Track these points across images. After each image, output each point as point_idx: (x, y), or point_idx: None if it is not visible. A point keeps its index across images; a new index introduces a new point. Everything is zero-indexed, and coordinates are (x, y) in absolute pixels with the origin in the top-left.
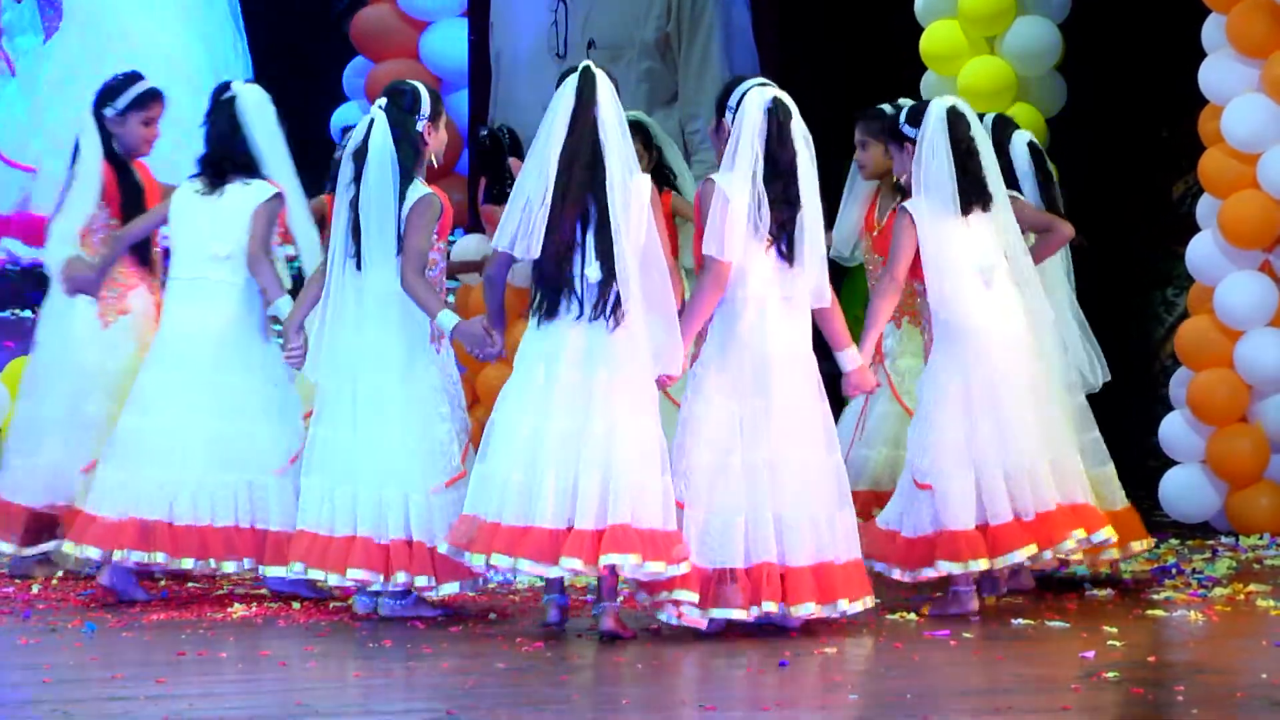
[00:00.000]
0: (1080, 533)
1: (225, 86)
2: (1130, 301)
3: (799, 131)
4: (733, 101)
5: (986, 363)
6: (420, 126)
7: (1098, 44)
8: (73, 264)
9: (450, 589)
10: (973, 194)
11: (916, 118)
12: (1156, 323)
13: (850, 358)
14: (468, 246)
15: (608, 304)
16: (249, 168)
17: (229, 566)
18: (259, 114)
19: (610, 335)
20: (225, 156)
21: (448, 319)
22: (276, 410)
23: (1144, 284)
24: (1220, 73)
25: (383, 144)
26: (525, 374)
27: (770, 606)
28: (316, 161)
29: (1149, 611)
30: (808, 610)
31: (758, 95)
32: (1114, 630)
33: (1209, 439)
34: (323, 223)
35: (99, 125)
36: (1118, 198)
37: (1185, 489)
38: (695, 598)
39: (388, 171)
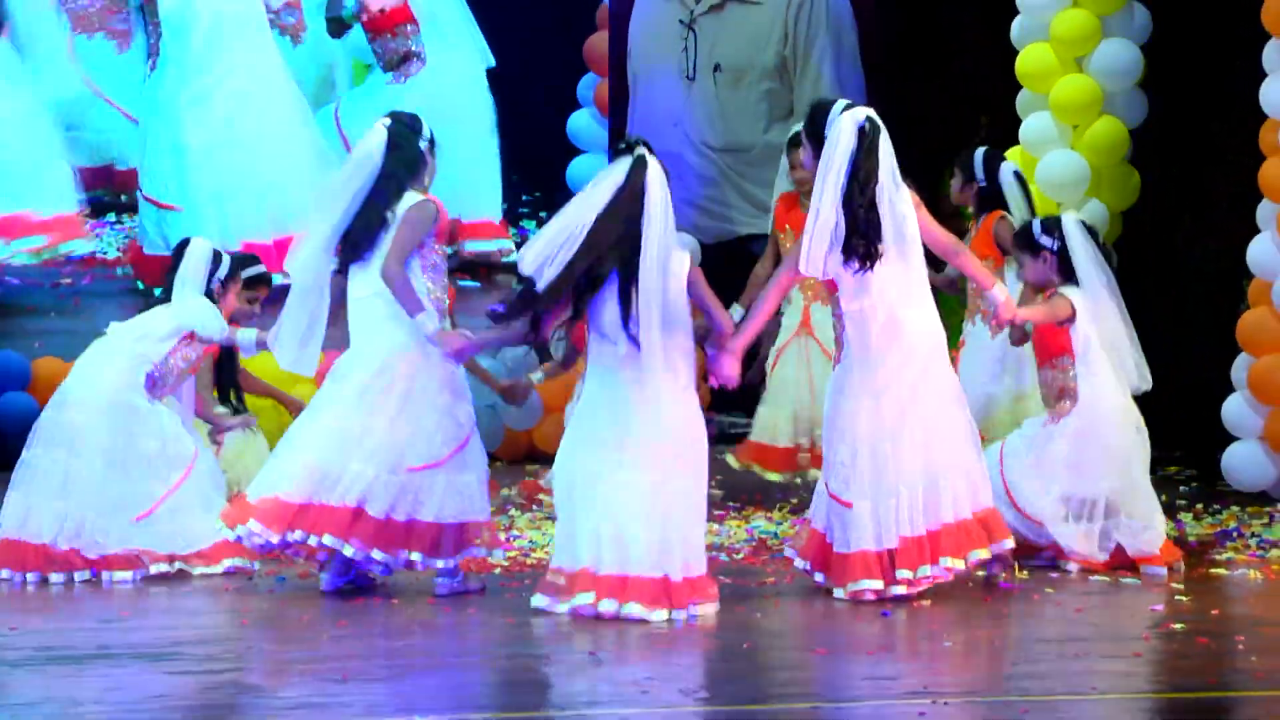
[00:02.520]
0: None
1: None
2: (1213, 296)
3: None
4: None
5: None
6: (422, 145)
7: (1176, 62)
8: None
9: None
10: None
11: (1050, 229)
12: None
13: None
14: None
15: None
16: None
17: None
18: None
19: None
20: None
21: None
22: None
23: (1225, 278)
24: (1279, 91)
25: (377, 151)
26: None
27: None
28: (552, 159)
29: (1212, 570)
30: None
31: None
32: (1181, 587)
33: (1267, 417)
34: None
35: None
36: (1195, 200)
37: (1245, 461)
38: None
39: (380, 179)
